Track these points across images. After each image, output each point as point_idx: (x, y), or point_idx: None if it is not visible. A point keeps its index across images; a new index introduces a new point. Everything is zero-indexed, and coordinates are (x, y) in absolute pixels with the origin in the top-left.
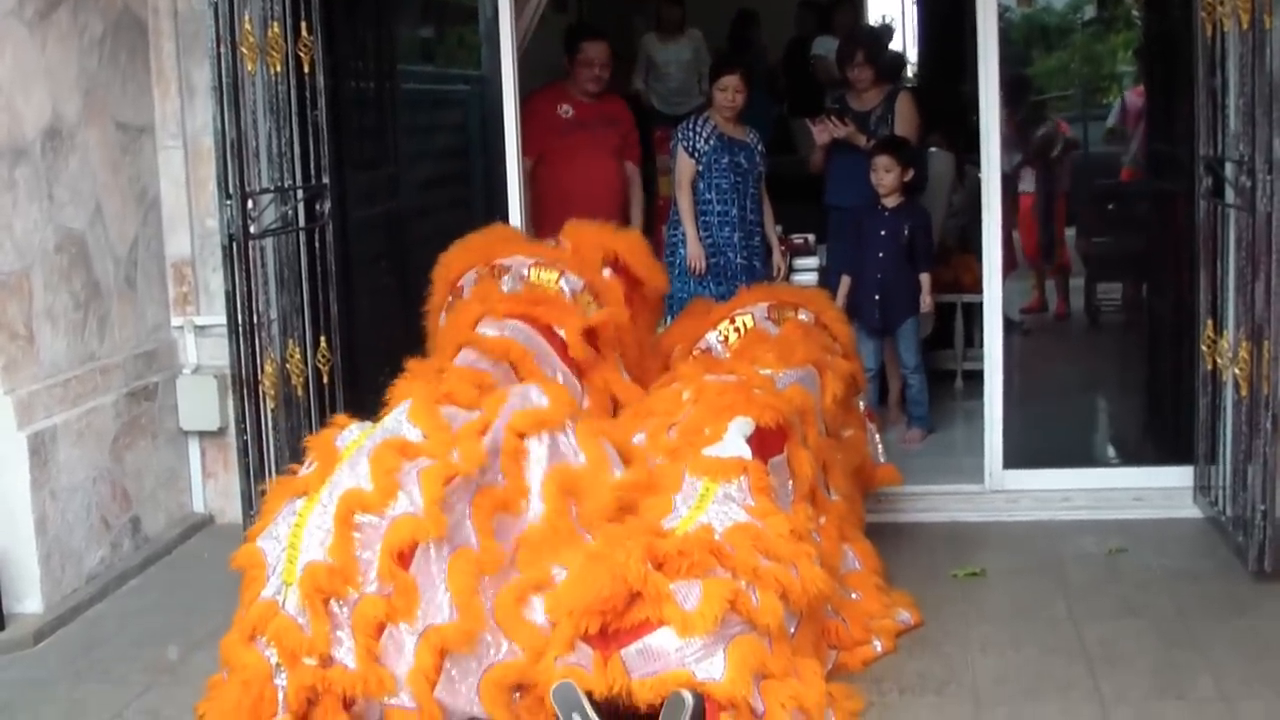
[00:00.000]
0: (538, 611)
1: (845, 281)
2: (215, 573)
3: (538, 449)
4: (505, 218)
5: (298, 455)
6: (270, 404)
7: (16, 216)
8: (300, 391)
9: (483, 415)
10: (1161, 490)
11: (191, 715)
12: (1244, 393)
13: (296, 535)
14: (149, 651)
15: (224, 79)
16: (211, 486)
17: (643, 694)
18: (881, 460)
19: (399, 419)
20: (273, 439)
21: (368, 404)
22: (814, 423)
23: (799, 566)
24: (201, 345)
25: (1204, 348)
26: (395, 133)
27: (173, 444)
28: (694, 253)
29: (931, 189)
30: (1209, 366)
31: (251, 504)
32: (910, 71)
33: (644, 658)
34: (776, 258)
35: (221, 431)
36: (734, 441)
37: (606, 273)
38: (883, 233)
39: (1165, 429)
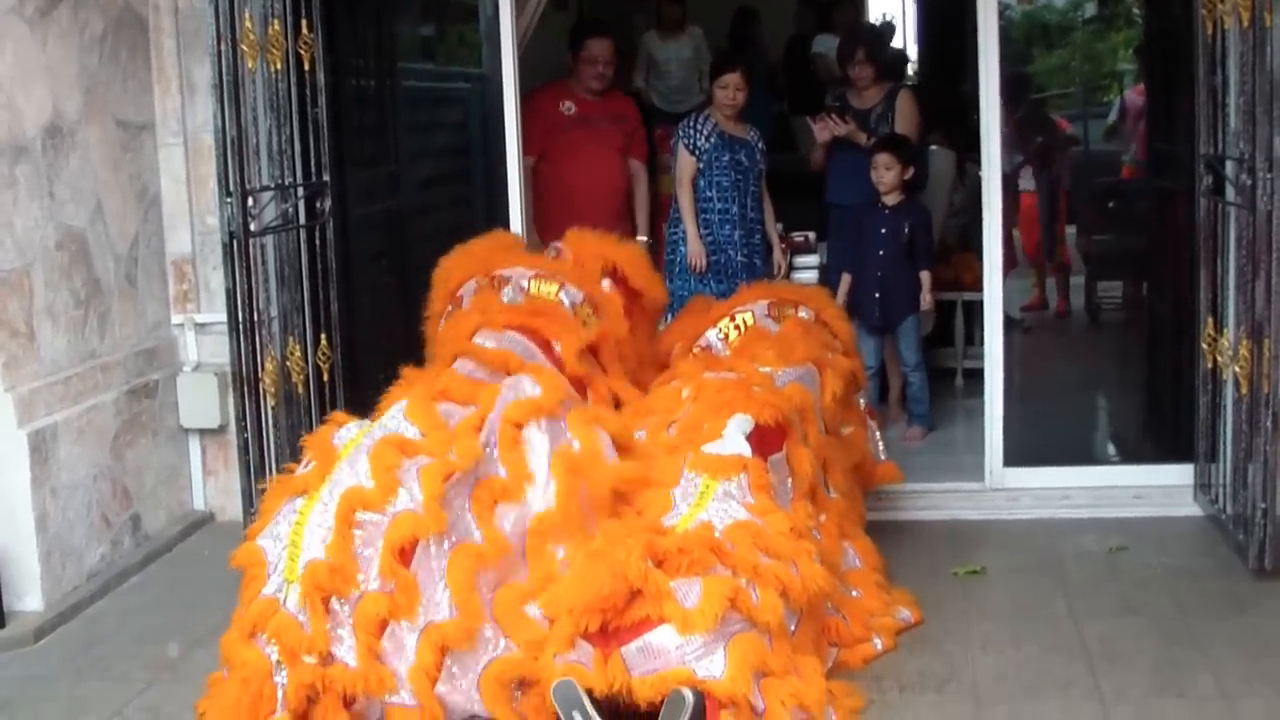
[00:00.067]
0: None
1: (845, 279)
2: (216, 570)
3: (536, 435)
4: (506, 215)
5: (298, 453)
6: (271, 401)
7: (17, 214)
8: (301, 389)
9: (478, 410)
10: (1162, 488)
11: (192, 713)
12: (1244, 391)
13: (297, 533)
14: (149, 649)
15: (224, 76)
16: (212, 484)
17: (643, 692)
18: (882, 458)
19: (396, 417)
20: (273, 437)
21: (368, 401)
22: (814, 420)
23: (799, 564)
24: (202, 343)
25: (1204, 346)
26: (396, 130)
27: (173, 441)
28: (694, 250)
29: (932, 187)
30: (1209, 365)
31: (252, 502)
32: (911, 69)
33: (644, 655)
34: (777, 255)
35: (222, 429)
36: (734, 439)
37: (606, 284)
38: (883, 231)
39: (1165, 427)
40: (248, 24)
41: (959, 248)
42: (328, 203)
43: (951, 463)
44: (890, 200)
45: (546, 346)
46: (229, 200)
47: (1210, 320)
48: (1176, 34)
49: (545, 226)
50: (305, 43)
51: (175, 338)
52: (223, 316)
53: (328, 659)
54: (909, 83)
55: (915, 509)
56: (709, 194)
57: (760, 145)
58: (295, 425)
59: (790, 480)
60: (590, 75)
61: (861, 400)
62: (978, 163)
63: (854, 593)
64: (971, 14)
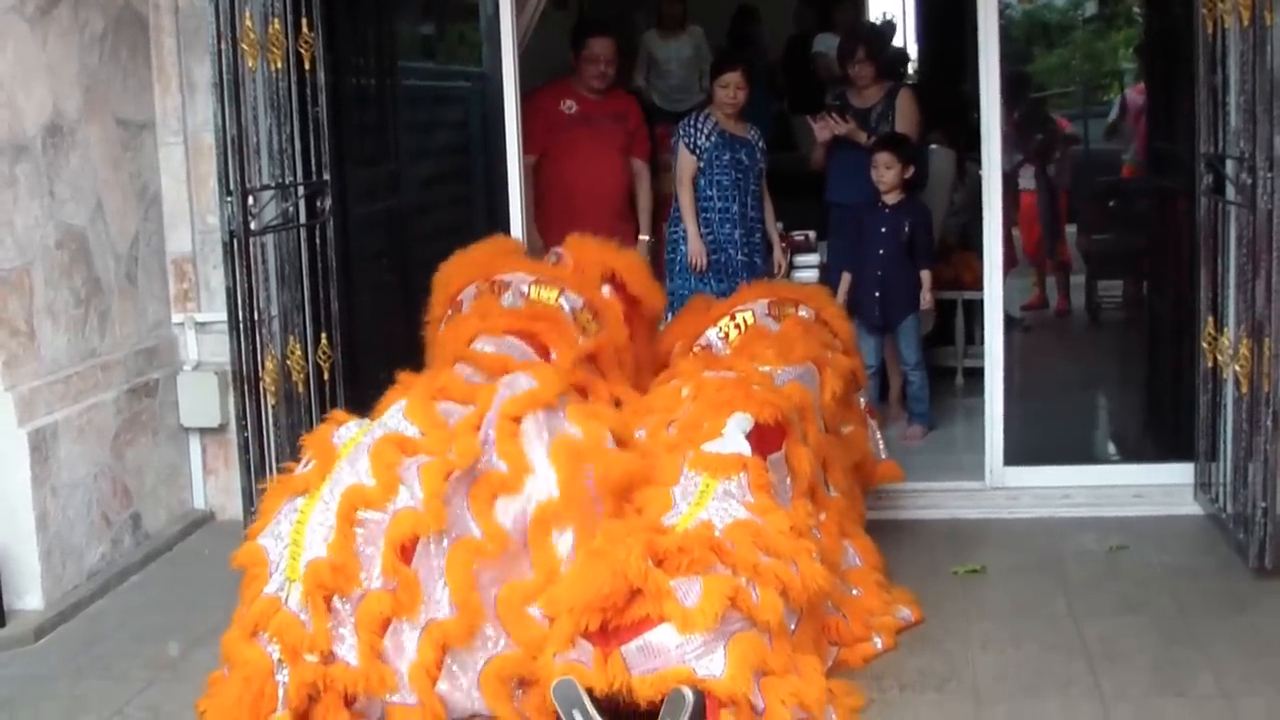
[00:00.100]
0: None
1: (846, 278)
2: (216, 569)
3: (533, 426)
4: (506, 214)
5: (298, 452)
6: (271, 400)
7: (17, 213)
8: (301, 388)
9: (477, 409)
10: (1162, 487)
11: (192, 711)
12: (1244, 390)
13: (299, 532)
14: (150, 648)
15: (225, 75)
16: (212, 483)
17: (643, 691)
18: (883, 456)
19: (396, 416)
20: (273, 435)
21: (368, 400)
22: (813, 419)
23: (799, 563)
24: (202, 342)
25: (1204, 345)
26: (396, 129)
27: (173, 440)
28: (695, 249)
29: (932, 186)
30: (1209, 364)
31: (252, 500)
32: (911, 68)
33: (644, 654)
34: (777, 254)
35: (222, 428)
36: (733, 438)
37: (606, 290)
38: (883, 230)
39: (1166, 426)
40: (248, 23)
41: (959, 247)
42: (328, 201)
43: (951, 461)
44: (890, 199)
45: (545, 353)
46: (229, 199)
47: (1210, 319)
48: (1177, 33)
49: (546, 225)
50: (306, 41)
51: (175, 337)
52: (223, 315)
53: (329, 658)
54: (909, 81)
55: (915, 508)
56: (709, 193)
57: (761, 144)
58: (295, 424)
59: (789, 479)
60: (592, 74)
61: (862, 399)
62: (978, 162)
63: (854, 591)
64: (972, 13)
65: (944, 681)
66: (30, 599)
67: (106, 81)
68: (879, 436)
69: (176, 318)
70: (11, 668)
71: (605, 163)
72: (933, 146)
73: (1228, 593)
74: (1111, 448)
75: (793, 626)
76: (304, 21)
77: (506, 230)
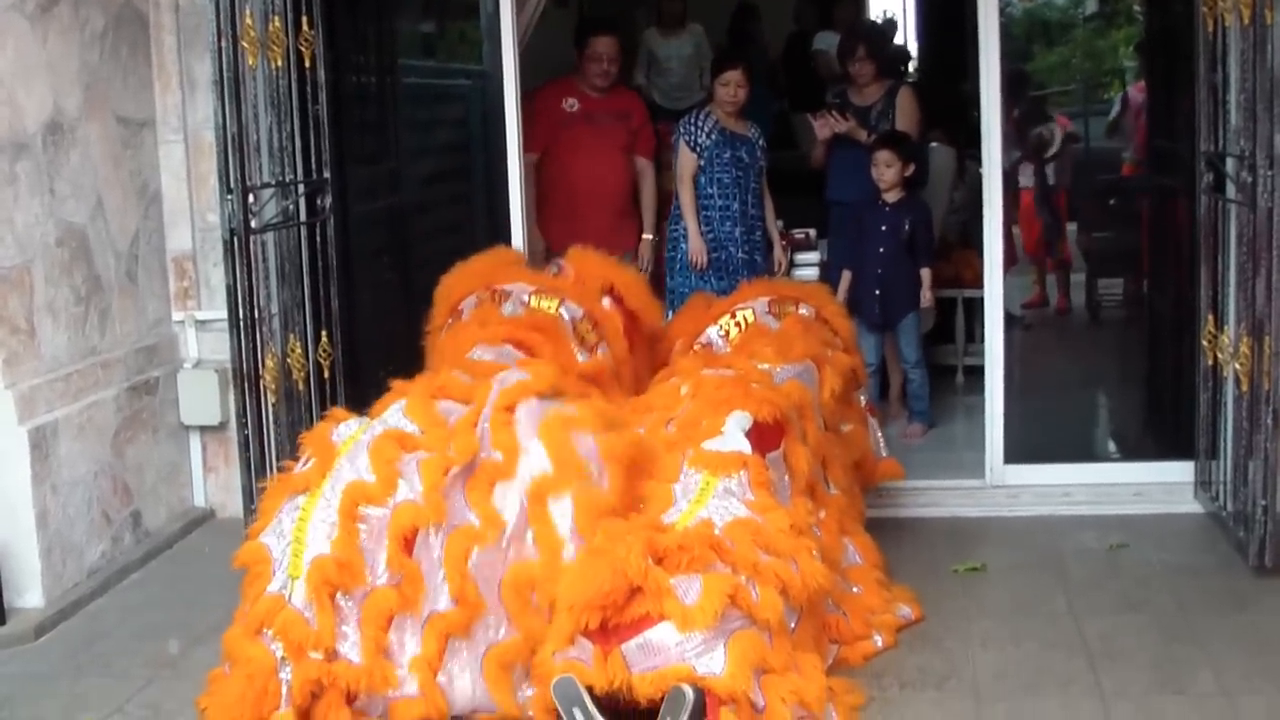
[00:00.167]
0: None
1: (846, 276)
2: (216, 567)
3: (525, 413)
4: (507, 212)
5: (298, 450)
6: (271, 398)
7: (18, 210)
8: (301, 386)
9: (474, 407)
10: (1162, 485)
11: (193, 709)
12: (1244, 388)
13: (301, 529)
14: (150, 646)
15: (225, 73)
16: (212, 481)
17: (643, 689)
18: (883, 454)
19: (396, 414)
20: (274, 433)
21: (369, 398)
22: (812, 417)
23: (799, 561)
24: (202, 340)
25: (1205, 343)
26: (396, 128)
27: (174, 438)
28: (695, 247)
29: (932, 184)
30: (1210, 362)
31: (252, 498)
32: (911, 66)
33: (644, 652)
34: (778, 253)
35: (222, 426)
36: (733, 436)
37: (606, 302)
38: (883, 228)
39: (1166, 424)
40: (248, 20)
41: (959, 245)
42: (328, 199)
43: (952, 460)
44: (891, 197)
45: None
46: (230, 197)
47: (1211, 317)
48: (1177, 31)
49: (548, 223)
50: (306, 39)
51: (176, 334)
52: (223, 313)
53: (333, 655)
54: (909, 79)
55: (915, 506)
56: (710, 191)
57: (761, 142)
58: (296, 422)
59: (788, 477)
60: (595, 72)
61: (862, 397)
62: (978, 160)
63: (854, 589)
64: (972, 11)
65: (944, 679)
66: (30, 597)
67: (107, 79)
68: (879, 434)
69: (177, 315)
70: (11, 665)
71: (607, 161)
72: (933, 144)
73: (1228, 591)
74: (1112, 446)
75: (793, 625)
76: (304, 19)
77: (507, 227)
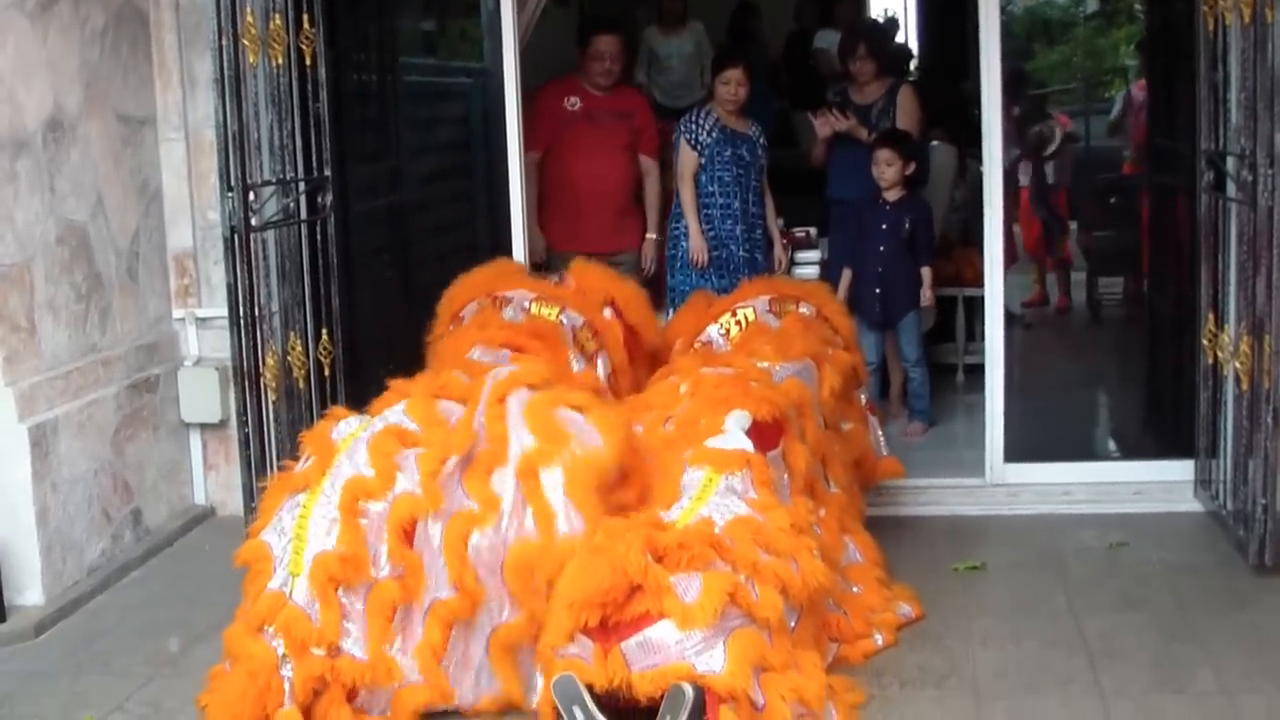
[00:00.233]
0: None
1: (846, 275)
2: (216, 565)
3: (515, 403)
4: (508, 210)
5: (299, 448)
6: (272, 396)
7: (18, 208)
8: (302, 384)
9: (471, 405)
10: (1162, 484)
11: (193, 707)
12: (1245, 387)
13: (301, 526)
14: (150, 643)
15: (226, 71)
16: (213, 479)
17: (643, 687)
18: (883, 453)
19: (397, 412)
20: (274, 431)
21: (369, 396)
22: (811, 416)
23: (799, 561)
24: (203, 337)
25: (1205, 342)
26: (397, 126)
27: (174, 436)
28: (696, 245)
29: (933, 183)
30: (1210, 361)
31: (253, 496)
32: (913, 65)
33: (644, 650)
34: (778, 251)
35: (223, 424)
36: (734, 435)
37: (608, 312)
38: (884, 226)
39: (1166, 423)
40: (249, 18)
41: (960, 243)
42: (329, 198)
43: (952, 458)
44: (891, 196)
45: None
46: (230, 195)
47: (1211, 316)
48: (1178, 29)
49: (549, 222)
50: (307, 37)
51: (176, 332)
52: (224, 311)
53: (335, 651)
54: (910, 78)
55: (916, 504)
56: (710, 189)
57: (762, 140)
58: (296, 420)
59: (787, 476)
60: (598, 71)
61: (862, 396)
62: (979, 158)
63: (854, 588)
64: (973, 9)
65: (944, 678)
66: (31, 594)
67: (107, 77)
68: (880, 433)
69: (177, 313)
70: (12, 663)
71: (608, 160)
72: (934, 143)
73: (1228, 590)
74: (1112, 444)
75: (793, 623)
76: (305, 17)
77: (508, 225)
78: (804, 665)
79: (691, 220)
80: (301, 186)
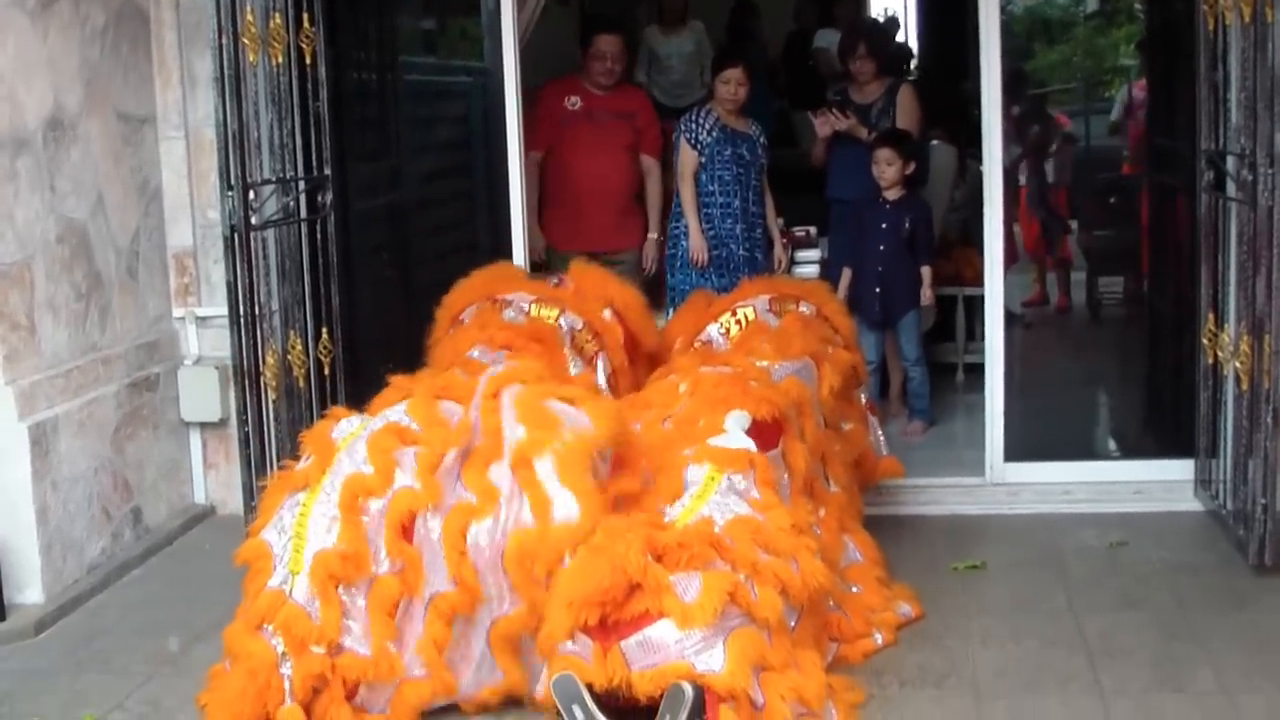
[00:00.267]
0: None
1: (846, 274)
2: (217, 564)
3: (507, 395)
4: (508, 209)
5: (299, 447)
6: (272, 395)
7: (18, 207)
8: (302, 383)
9: (467, 401)
10: (1162, 484)
11: (193, 706)
12: (1245, 387)
13: (301, 524)
14: (150, 642)
15: (226, 70)
16: (213, 478)
17: (643, 686)
18: (883, 452)
19: (399, 411)
20: (274, 430)
21: (369, 395)
22: (811, 415)
23: (799, 560)
24: (203, 336)
25: (1205, 341)
26: (397, 124)
27: (174, 435)
28: (696, 244)
29: (933, 182)
30: (1210, 360)
31: (253, 495)
32: (913, 64)
33: (644, 650)
34: (778, 250)
35: (223, 423)
36: (735, 435)
37: (608, 314)
38: (884, 226)
39: (1166, 422)
40: (249, 17)
41: (960, 243)
42: (329, 196)
43: (952, 458)
44: (891, 195)
45: None
46: (230, 194)
47: (1211, 316)
48: (1178, 29)
49: (550, 222)
50: (307, 36)
51: (176, 331)
52: (224, 310)
53: (336, 649)
54: (910, 77)
55: (915, 504)
56: (711, 188)
57: (762, 140)
58: (296, 419)
59: (786, 476)
60: (599, 71)
61: (862, 395)
62: (979, 158)
63: (854, 588)
64: (973, 9)
65: (944, 677)
66: (30, 593)
67: (107, 76)
68: (879, 432)
69: (177, 312)
70: (11, 662)
71: (609, 159)
72: (934, 142)
73: (1227, 589)
74: (1112, 444)
75: (793, 623)
76: (305, 16)
77: (508, 225)
78: (804, 665)
79: (691, 219)
80: (301, 185)
